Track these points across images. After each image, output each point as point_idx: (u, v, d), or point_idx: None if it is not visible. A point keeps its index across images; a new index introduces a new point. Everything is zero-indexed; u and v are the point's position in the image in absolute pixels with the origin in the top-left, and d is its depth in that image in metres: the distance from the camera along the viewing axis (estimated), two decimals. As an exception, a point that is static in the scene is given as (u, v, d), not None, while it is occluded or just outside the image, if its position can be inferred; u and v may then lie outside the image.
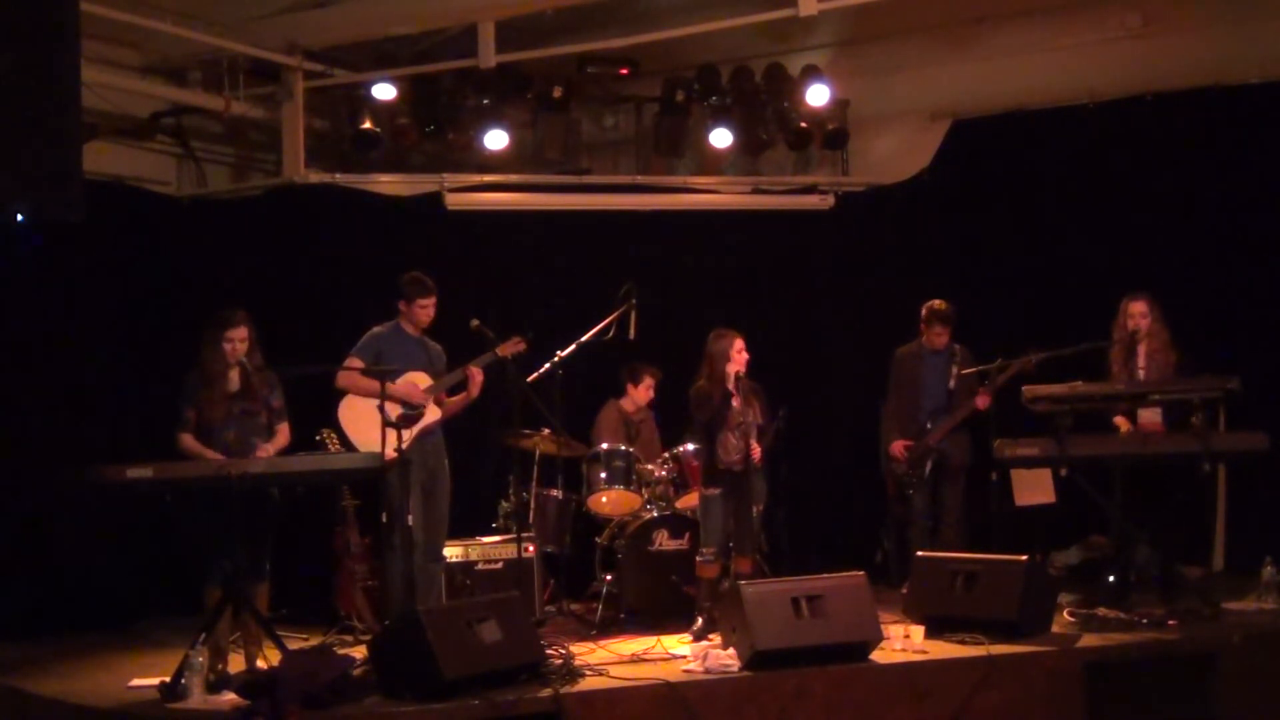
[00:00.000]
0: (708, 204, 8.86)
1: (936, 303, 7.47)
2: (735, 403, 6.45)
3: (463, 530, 7.11)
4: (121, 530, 7.58)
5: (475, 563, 7.11)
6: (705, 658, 5.48)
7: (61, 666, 6.27)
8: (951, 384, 7.37)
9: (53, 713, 5.47)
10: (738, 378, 6.47)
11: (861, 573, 5.71)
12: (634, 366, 7.85)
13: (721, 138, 8.73)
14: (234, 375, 6.02)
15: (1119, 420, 6.71)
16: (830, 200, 8.77)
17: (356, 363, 6.49)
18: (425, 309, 6.69)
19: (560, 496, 7.44)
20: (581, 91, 8.81)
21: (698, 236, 8.67)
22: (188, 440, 5.98)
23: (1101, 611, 6.13)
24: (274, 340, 6.25)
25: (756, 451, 6.45)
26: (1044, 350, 6.84)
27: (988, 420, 6.81)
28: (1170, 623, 5.94)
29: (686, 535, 7.02)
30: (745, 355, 6.55)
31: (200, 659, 5.25)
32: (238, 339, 6.01)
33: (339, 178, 8.54)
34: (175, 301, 8.11)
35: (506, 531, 7.22)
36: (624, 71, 8.79)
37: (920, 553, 6.46)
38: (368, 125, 8.42)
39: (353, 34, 8.37)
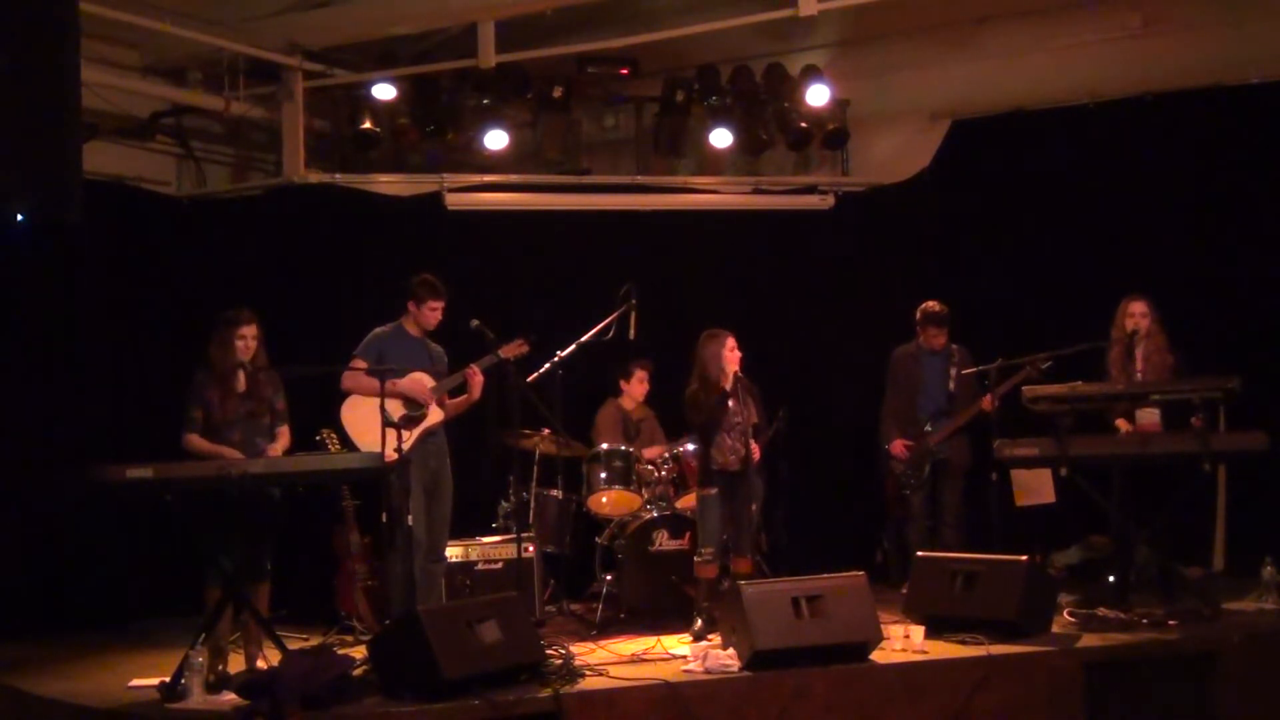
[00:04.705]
0: (708, 204, 8.86)
1: (930, 304, 7.47)
2: (732, 404, 6.44)
3: (463, 530, 7.10)
4: (121, 530, 7.59)
5: (475, 563, 7.11)
6: (705, 658, 5.48)
7: (61, 666, 6.27)
8: (951, 385, 7.38)
9: (53, 713, 5.47)
10: (736, 378, 6.45)
11: (861, 573, 5.69)
12: (624, 364, 7.85)
13: (721, 138, 8.73)
14: (241, 376, 6.02)
15: (1120, 422, 6.71)
16: (830, 200, 8.77)
17: (361, 363, 6.49)
18: (434, 311, 6.68)
19: (560, 496, 7.44)
20: (581, 91, 8.81)
21: (698, 236, 8.66)
22: (196, 440, 5.96)
23: (1101, 611, 6.12)
24: (274, 340, 6.24)
25: (757, 452, 6.44)
26: (1044, 351, 6.83)
27: (988, 421, 6.81)
28: (1170, 623, 5.93)
29: (686, 535, 7.02)
30: (738, 354, 6.53)
31: (200, 659, 5.25)
32: (250, 335, 6.01)
33: (339, 178, 8.54)
34: (175, 301, 8.12)
35: (506, 531, 7.22)
36: (624, 71, 8.78)
37: (920, 553, 6.45)
38: (368, 125, 8.42)
39: (353, 34, 8.37)
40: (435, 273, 6.80)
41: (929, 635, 5.76)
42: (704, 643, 6.01)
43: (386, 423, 6.06)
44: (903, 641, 5.66)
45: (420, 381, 6.54)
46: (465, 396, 6.69)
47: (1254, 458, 6.19)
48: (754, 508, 6.58)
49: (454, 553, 7.00)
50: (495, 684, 5.10)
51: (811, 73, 8.54)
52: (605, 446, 7.37)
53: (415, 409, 6.46)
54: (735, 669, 5.38)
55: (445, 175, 8.57)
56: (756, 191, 8.93)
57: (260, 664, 5.85)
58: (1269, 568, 6.37)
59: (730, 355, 6.49)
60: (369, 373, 6.39)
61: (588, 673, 5.42)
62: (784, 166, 9.09)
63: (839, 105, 8.63)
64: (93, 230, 6.15)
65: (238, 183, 9.11)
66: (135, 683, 5.62)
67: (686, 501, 7.14)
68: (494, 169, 8.73)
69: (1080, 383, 6.42)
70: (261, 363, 6.08)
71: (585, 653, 5.88)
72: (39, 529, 7.40)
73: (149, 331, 8.03)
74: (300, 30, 8.31)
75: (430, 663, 4.94)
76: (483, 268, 8.37)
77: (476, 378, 6.62)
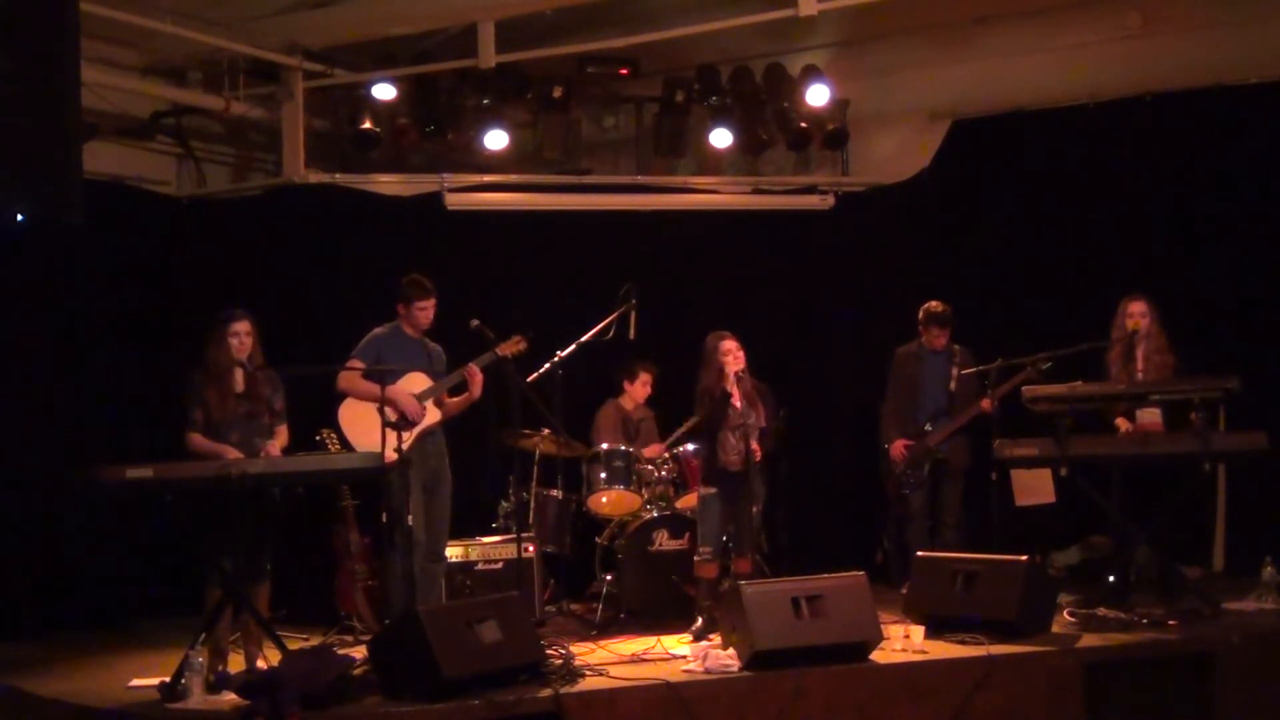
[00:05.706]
0: (708, 204, 8.86)
1: (933, 304, 7.47)
2: (736, 403, 6.44)
3: (463, 530, 7.10)
4: (121, 530, 7.58)
5: (475, 563, 7.11)
6: (705, 658, 5.48)
7: (61, 666, 6.28)
8: (952, 385, 7.37)
9: (53, 713, 5.47)
10: (738, 378, 6.46)
11: (861, 573, 5.70)
12: (629, 364, 7.86)
13: (721, 138, 8.73)
14: (238, 375, 6.02)
15: (1119, 421, 6.72)
16: (830, 200, 8.77)
17: (358, 364, 6.49)
18: (424, 311, 6.69)
19: (560, 496, 7.44)
20: (581, 91, 8.80)
21: (698, 236, 8.66)
22: (198, 440, 5.95)
23: (1101, 611, 6.14)
24: (273, 340, 6.24)
25: (758, 452, 6.44)
26: (1044, 351, 6.83)
27: (988, 421, 6.81)
28: (1170, 623, 5.94)
29: (686, 535, 7.02)
30: (738, 355, 6.52)
31: (200, 659, 5.26)
32: (243, 332, 6.00)
33: (339, 178, 8.54)
34: (175, 301, 8.12)
35: (506, 531, 7.22)
36: (624, 71, 8.78)
37: (920, 553, 6.46)
38: (368, 125, 8.41)
39: (353, 34, 8.37)
40: (435, 273, 6.80)
41: (929, 635, 5.76)
42: (704, 643, 6.02)
43: (386, 423, 6.06)
44: (903, 641, 5.66)
45: (412, 401, 6.51)
46: (465, 395, 6.69)
47: (1254, 458, 6.19)
48: (755, 509, 6.58)
49: (454, 553, 7.00)
50: (495, 684, 5.10)
51: (811, 73, 8.54)
52: (605, 446, 7.38)
53: (406, 422, 6.42)
54: (735, 669, 5.39)
55: (445, 175, 8.57)
56: (756, 191, 8.93)
57: (260, 664, 5.84)
58: (1269, 568, 6.37)
59: (727, 357, 6.49)
60: (369, 373, 6.39)
61: (588, 673, 5.42)
62: (784, 166, 9.09)
63: (839, 105, 8.63)
64: (93, 230, 6.12)
65: (238, 183, 9.11)
66: (135, 683, 5.63)
67: (686, 501, 7.14)
68: (494, 169, 8.73)
69: (1080, 383, 6.43)
70: (259, 362, 6.08)
71: (585, 653, 5.88)
72: (39, 529, 7.39)
73: (149, 331, 8.03)
74: (300, 30, 8.31)
75: (430, 663, 4.94)
76: (483, 268, 8.39)
77: (476, 376, 6.62)
